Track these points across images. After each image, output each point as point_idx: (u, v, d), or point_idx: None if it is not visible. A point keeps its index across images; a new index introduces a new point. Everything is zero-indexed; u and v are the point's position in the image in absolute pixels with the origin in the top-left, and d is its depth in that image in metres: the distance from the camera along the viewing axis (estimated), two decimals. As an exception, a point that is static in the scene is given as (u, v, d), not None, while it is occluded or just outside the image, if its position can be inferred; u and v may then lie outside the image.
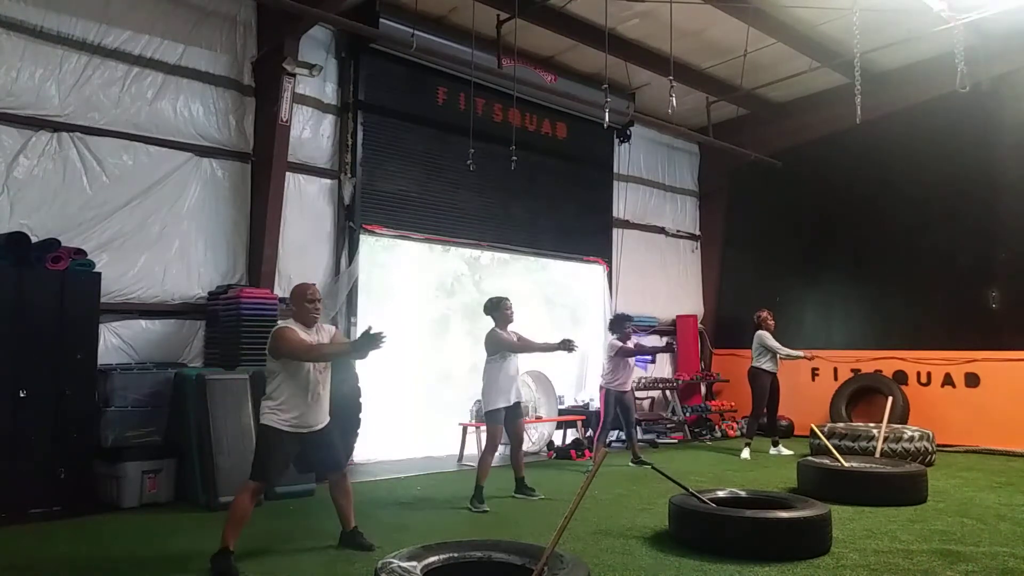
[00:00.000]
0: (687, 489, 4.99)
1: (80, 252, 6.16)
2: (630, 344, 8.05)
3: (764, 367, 9.05)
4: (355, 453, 7.65)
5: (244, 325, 6.83)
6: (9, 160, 6.28)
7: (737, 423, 11.18)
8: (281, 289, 7.79)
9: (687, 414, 11.12)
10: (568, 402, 10.29)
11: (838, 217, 11.34)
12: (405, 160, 8.96)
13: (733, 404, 11.45)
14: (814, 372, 11.19)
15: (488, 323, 6.50)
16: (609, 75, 7.41)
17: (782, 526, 4.55)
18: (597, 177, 11.36)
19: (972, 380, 9.75)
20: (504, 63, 8.50)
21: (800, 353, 9.14)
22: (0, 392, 5.54)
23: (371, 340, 4.17)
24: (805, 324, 11.46)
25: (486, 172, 8.71)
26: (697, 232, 13.09)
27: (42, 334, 5.74)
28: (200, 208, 7.45)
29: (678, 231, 12.72)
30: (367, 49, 8.54)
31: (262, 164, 7.72)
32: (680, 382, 11.56)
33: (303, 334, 4.52)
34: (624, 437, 9.92)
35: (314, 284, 4.85)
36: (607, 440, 8.86)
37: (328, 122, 8.45)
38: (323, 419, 4.61)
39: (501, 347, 6.26)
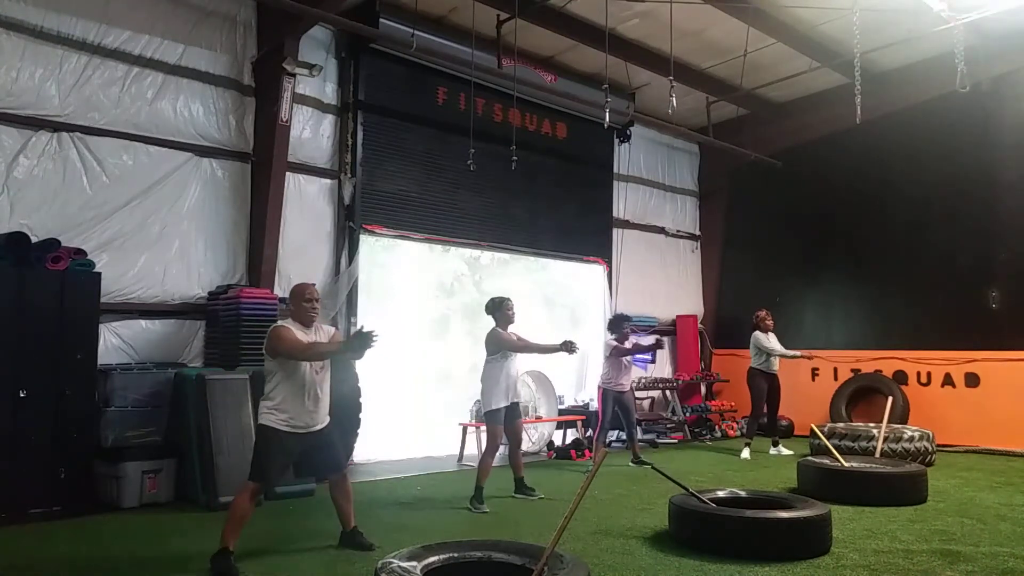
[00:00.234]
0: (687, 489, 4.99)
1: (80, 252, 6.16)
2: (627, 344, 8.03)
3: (760, 367, 9.07)
4: (355, 453, 7.65)
5: (244, 325, 6.83)
6: (9, 160, 6.28)
7: (737, 423, 11.18)
8: (281, 289, 7.79)
9: (687, 414, 11.12)
10: (568, 402, 10.29)
11: (838, 217, 11.34)
12: (405, 160, 8.96)
13: (733, 404, 11.45)
14: (814, 372, 11.19)
15: (488, 323, 6.50)
16: (609, 75, 7.41)
17: (782, 526, 4.55)
18: (597, 177, 11.36)
19: (972, 380, 9.75)
20: (504, 63, 8.50)
21: (796, 352, 9.13)
22: (0, 392, 5.54)
23: (363, 339, 4.21)
24: (805, 324, 11.46)
25: (486, 172, 8.71)
26: (697, 232, 13.09)
27: (42, 334, 5.75)
28: (200, 208, 7.45)
29: (678, 231, 12.72)
30: (367, 49, 8.54)
31: (262, 164, 7.72)
32: (680, 382, 11.56)
33: (300, 333, 4.52)
34: (624, 437, 9.95)
35: (313, 284, 4.85)
36: (607, 440, 8.86)
37: (328, 122, 8.45)
38: (322, 420, 4.60)
39: (502, 346, 6.25)
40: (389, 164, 8.83)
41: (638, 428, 8.93)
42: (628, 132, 11.41)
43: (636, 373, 11.00)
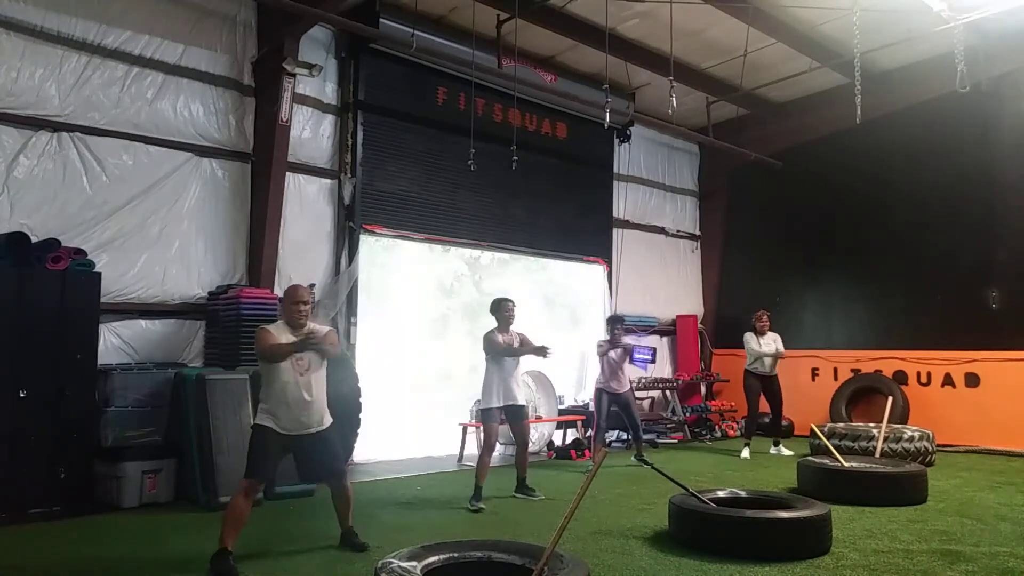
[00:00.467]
0: (687, 489, 5.00)
1: (80, 252, 6.16)
2: (627, 342, 7.99)
3: (750, 368, 9.10)
4: (355, 453, 7.65)
5: (244, 325, 6.83)
6: (9, 160, 6.28)
7: (737, 423, 11.18)
8: (281, 289, 7.78)
9: (687, 414, 11.12)
10: (568, 402, 10.29)
11: (838, 217, 11.33)
12: (405, 160, 8.96)
13: (733, 404, 11.45)
14: (814, 372, 11.20)
15: (490, 322, 6.52)
16: (609, 75, 7.41)
17: (782, 526, 4.55)
18: (597, 177, 11.36)
19: (972, 380, 9.74)
20: (504, 63, 8.50)
21: (768, 350, 9.04)
22: (0, 392, 5.53)
23: (304, 340, 4.40)
24: (805, 324, 11.46)
25: (486, 172, 8.70)
26: (697, 232, 13.10)
27: (42, 334, 5.74)
28: (200, 208, 7.45)
29: (678, 231, 12.72)
30: (367, 49, 8.54)
31: (262, 164, 7.72)
32: (680, 382, 11.56)
33: (285, 335, 4.51)
34: (624, 437, 9.96)
35: (303, 286, 4.83)
36: (607, 440, 8.85)
37: (328, 122, 8.46)
38: (314, 423, 4.57)
39: (489, 349, 6.33)
40: (389, 164, 8.83)
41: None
42: (628, 132, 11.41)
43: (636, 373, 11.01)
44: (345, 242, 8.45)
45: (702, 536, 4.68)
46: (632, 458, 8.04)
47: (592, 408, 8.52)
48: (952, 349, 9.90)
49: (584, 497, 3.35)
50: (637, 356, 11.68)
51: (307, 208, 8.22)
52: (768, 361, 9.00)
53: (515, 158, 7.41)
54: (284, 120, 7.59)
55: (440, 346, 9.91)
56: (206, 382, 6.22)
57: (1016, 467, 8.18)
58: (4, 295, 5.61)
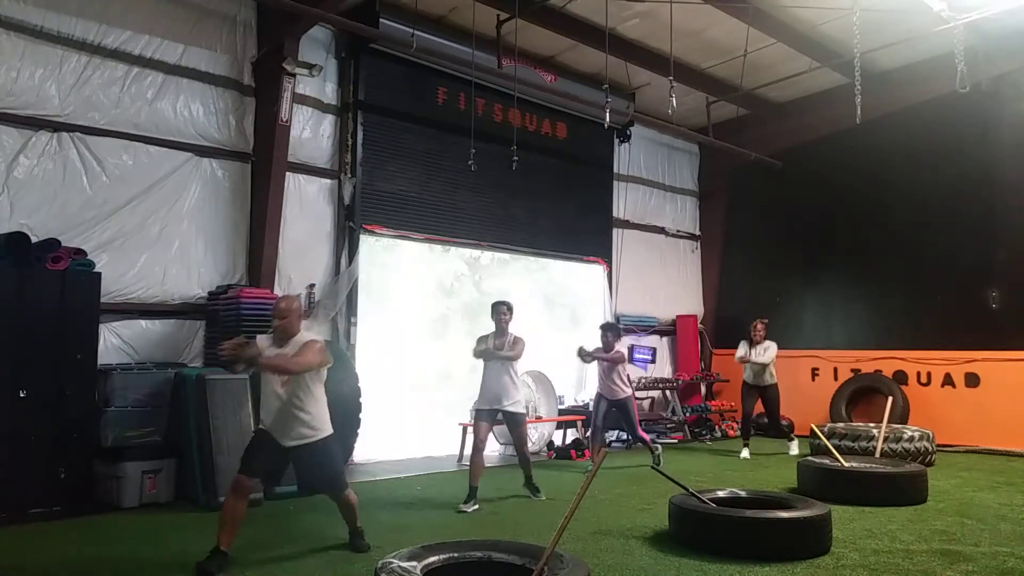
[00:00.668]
0: (687, 489, 4.99)
1: (80, 252, 6.16)
2: (616, 352, 7.88)
3: (743, 376, 9.14)
4: (355, 453, 7.65)
5: (244, 325, 6.81)
6: (9, 160, 6.28)
7: (737, 423, 11.16)
8: (281, 289, 7.80)
9: (687, 414, 11.12)
10: (568, 402, 10.29)
11: (838, 217, 11.34)
12: (405, 160, 8.97)
13: (733, 404, 11.44)
14: (814, 372, 11.20)
15: (491, 323, 6.52)
16: (609, 75, 7.41)
17: (782, 526, 4.55)
18: (597, 177, 11.37)
19: (972, 380, 9.75)
20: (504, 63, 8.50)
21: (739, 353, 9.09)
22: (0, 392, 5.53)
23: (234, 359, 4.34)
24: (805, 324, 11.46)
25: (486, 172, 8.70)
26: (697, 232, 13.10)
27: (42, 334, 5.74)
28: (200, 208, 7.45)
29: (678, 231, 12.73)
30: (367, 49, 8.54)
31: (262, 164, 7.72)
32: (680, 382, 11.56)
33: (270, 347, 4.47)
34: (624, 438, 9.96)
35: (287, 298, 4.63)
36: (607, 440, 8.85)
37: (328, 122, 8.46)
38: (302, 435, 4.41)
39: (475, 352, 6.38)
40: (389, 164, 8.83)
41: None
42: (628, 132, 11.41)
43: (636, 373, 11.03)
44: (345, 242, 8.45)
45: (702, 536, 4.68)
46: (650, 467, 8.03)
47: (591, 409, 8.51)
48: (952, 349, 9.90)
49: (584, 497, 3.35)
50: (637, 356, 11.73)
51: (307, 208, 8.22)
52: (756, 369, 8.96)
53: (515, 158, 7.41)
54: (284, 120, 7.59)
55: (440, 346, 9.91)
56: (206, 382, 6.22)
57: (1016, 467, 8.18)
58: (4, 295, 5.61)
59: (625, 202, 11.73)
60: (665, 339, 12.43)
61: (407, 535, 4.93)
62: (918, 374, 10.23)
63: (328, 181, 8.42)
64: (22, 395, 5.60)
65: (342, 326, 8.34)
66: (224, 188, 7.64)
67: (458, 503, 5.99)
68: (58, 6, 6.54)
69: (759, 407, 9.14)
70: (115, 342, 6.80)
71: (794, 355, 11.05)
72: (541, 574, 3.14)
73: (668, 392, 11.49)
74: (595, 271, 11.31)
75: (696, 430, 11.05)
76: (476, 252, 10.07)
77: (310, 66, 7.96)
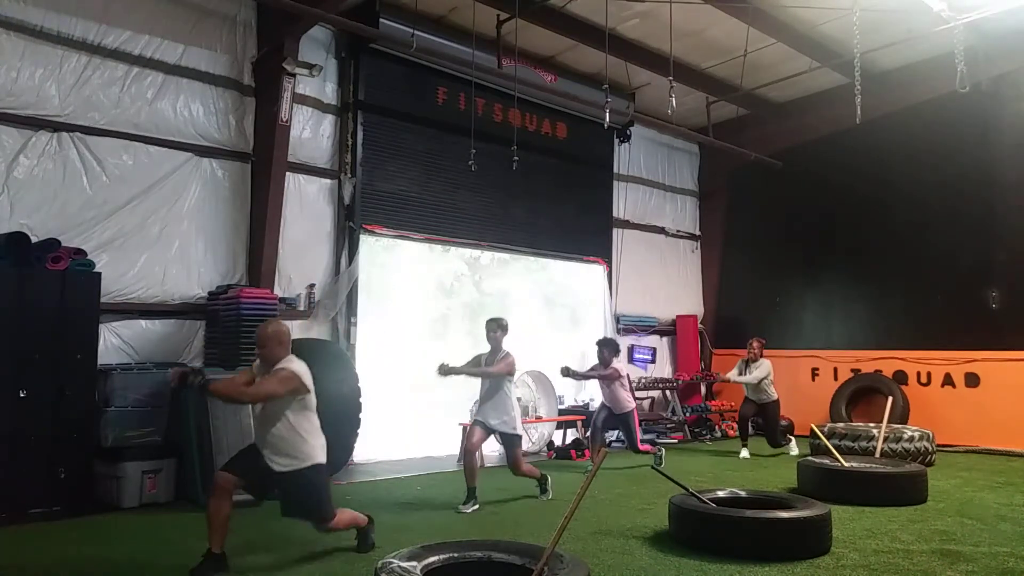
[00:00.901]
0: (687, 489, 4.99)
1: (80, 252, 6.16)
2: (610, 369, 7.83)
3: (744, 390, 9.18)
4: (355, 453, 7.64)
5: (244, 325, 6.82)
6: (9, 160, 6.29)
7: (737, 423, 11.17)
8: (281, 289, 7.81)
9: (687, 414, 11.13)
10: (568, 402, 10.29)
11: (838, 217, 11.34)
12: (405, 160, 8.97)
13: (733, 404, 11.44)
14: (814, 372, 11.19)
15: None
16: (609, 75, 7.41)
17: (782, 526, 4.55)
18: (597, 177, 11.37)
19: (972, 380, 9.75)
20: (504, 63, 8.50)
21: (729, 374, 9.21)
22: (0, 392, 5.54)
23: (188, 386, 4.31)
24: (805, 324, 11.46)
25: (486, 172, 8.70)
26: (697, 232, 13.10)
27: (42, 334, 5.74)
28: (200, 208, 7.46)
29: (678, 231, 12.73)
30: (367, 49, 8.54)
31: (262, 164, 7.72)
32: (680, 382, 11.56)
33: (253, 371, 4.41)
34: (624, 438, 9.95)
35: (269, 322, 4.49)
36: (607, 440, 8.85)
37: (328, 122, 8.46)
38: (277, 464, 4.25)
39: None
40: (389, 164, 8.83)
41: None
42: (628, 132, 11.41)
43: (636, 373, 11.03)
44: (345, 242, 8.45)
45: (702, 536, 4.68)
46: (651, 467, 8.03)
47: (592, 409, 8.53)
48: (952, 349, 9.90)
49: (584, 497, 3.35)
50: (637, 356, 11.73)
51: (307, 208, 8.22)
52: (752, 387, 8.97)
53: (515, 158, 7.40)
54: (284, 120, 7.59)
55: (440, 346, 9.88)
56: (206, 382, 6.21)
57: (1016, 467, 8.19)
58: (4, 295, 5.62)
59: (625, 202, 11.73)
60: (665, 339, 12.44)
61: (407, 535, 4.93)
62: (918, 374, 10.23)
63: (328, 181, 8.42)
64: (22, 395, 5.61)
65: (342, 326, 8.34)
66: (224, 188, 7.64)
67: (458, 503, 5.99)
68: (58, 6, 6.54)
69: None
70: (115, 342, 6.81)
71: (794, 355, 11.07)
72: (541, 574, 3.14)
73: (668, 392, 11.49)
74: (595, 271, 11.31)
75: (696, 430, 11.05)
76: (476, 252, 10.07)
77: (310, 66, 7.96)
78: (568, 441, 9.61)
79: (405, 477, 7.48)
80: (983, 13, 7.42)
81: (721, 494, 5.24)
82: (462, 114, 9.03)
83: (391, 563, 3.20)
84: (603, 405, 8.06)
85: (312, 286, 8.19)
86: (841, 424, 8.94)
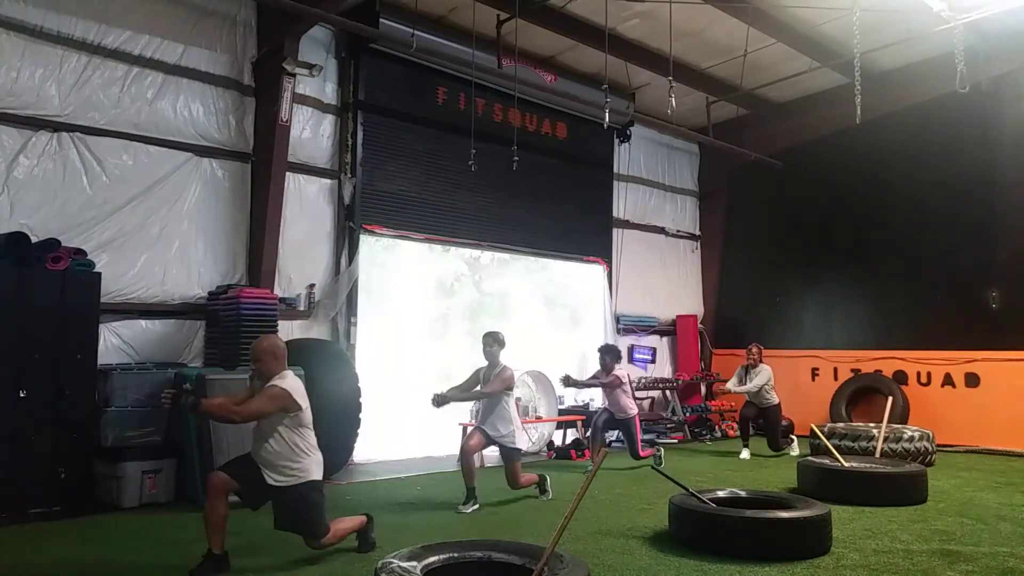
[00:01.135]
0: (687, 489, 4.99)
1: (80, 252, 6.16)
2: (612, 376, 7.82)
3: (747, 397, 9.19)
4: (355, 453, 7.65)
5: (244, 325, 6.82)
6: (9, 160, 6.28)
7: (737, 423, 11.17)
8: (281, 289, 7.81)
9: (687, 414, 11.13)
10: (568, 402, 10.29)
11: (838, 217, 11.34)
12: (405, 160, 8.97)
13: (733, 404, 11.45)
14: (814, 372, 11.20)
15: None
16: (609, 75, 7.41)
17: (782, 526, 4.55)
18: (597, 177, 11.37)
19: (972, 380, 9.75)
20: (504, 63, 8.50)
21: (728, 384, 9.16)
22: (0, 392, 5.53)
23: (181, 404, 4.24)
24: (805, 324, 11.46)
25: (486, 172, 8.70)
26: (697, 232, 13.10)
27: (42, 334, 5.74)
28: (200, 208, 7.46)
29: (678, 231, 12.73)
30: (367, 49, 8.54)
31: (262, 164, 7.72)
32: (680, 382, 11.56)
33: (248, 390, 4.42)
34: (623, 438, 9.96)
35: (264, 338, 4.51)
36: (607, 440, 8.85)
37: (328, 122, 8.46)
38: (271, 478, 4.27)
39: None
40: (389, 164, 8.83)
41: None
42: (628, 132, 11.41)
43: (636, 373, 11.03)
44: (345, 242, 8.45)
45: (702, 536, 4.68)
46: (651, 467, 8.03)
47: (592, 409, 8.53)
48: (952, 349, 9.90)
49: (584, 497, 3.35)
50: (637, 356, 11.73)
51: (307, 208, 8.22)
52: (752, 393, 8.96)
53: (515, 158, 7.40)
54: (284, 120, 7.59)
55: (440, 346, 9.89)
56: (206, 382, 6.21)
57: (1016, 467, 8.19)
58: (4, 295, 5.61)
59: (625, 202, 11.74)
60: (665, 339, 12.44)
61: (407, 535, 4.93)
62: (918, 374, 10.23)
63: (328, 181, 8.42)
64: (22, 395, 5.61)
65: (342, 326, 8.34)
66: (224, 188, 7.64)
67: (458, 503, 5.99)
68: (58, 6, 6.54)
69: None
70: (115, 342, 6.81)
71: (794, 355, 11.07)
72: (541, 574, 3.14)
73: (668, 392, 11.49)
74: (595, 271, 11.31)
75: (696, 430, 11.05)
76: (476, 252, 10.07)
77: (310, 66, 7.96)
78: (568, 441, 9.60)
79: (405, 477, 7.48)
80: (983, 13, 7.42)
81: (721, 494, 5.24)
82: (462, 114, 9.03)
83: (391, 563, 3.20)
84: (605, 408, 8.06)
85: (312, 286, 8.19)
86: (841, 424, 8.94)
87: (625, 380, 7.95)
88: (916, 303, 10.35)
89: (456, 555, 3.47)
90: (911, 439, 7.96)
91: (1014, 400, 9.25)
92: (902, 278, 10.52)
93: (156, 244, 7.12)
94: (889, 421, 7.84)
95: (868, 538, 5.01)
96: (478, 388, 6.20)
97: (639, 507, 6.01)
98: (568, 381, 7.69)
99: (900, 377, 10.33)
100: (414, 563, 3.24)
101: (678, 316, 12.44)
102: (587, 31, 8.89)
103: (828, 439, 7.20)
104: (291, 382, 4.30)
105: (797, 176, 11.59)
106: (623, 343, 11.18)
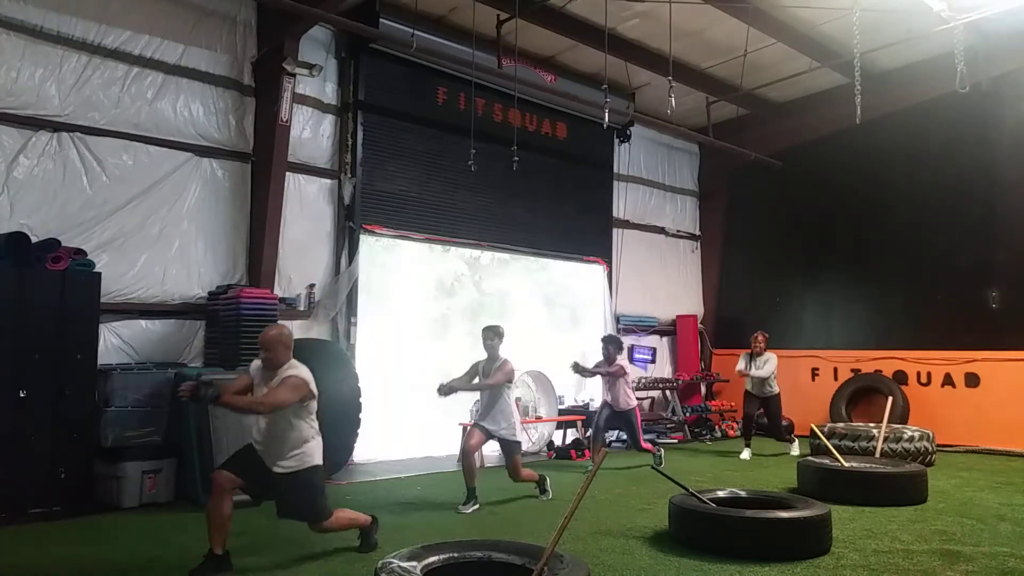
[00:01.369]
0: (687, 489, 5.00)
1: (80, 252, 6.16)
2: (616, 366, 7.84)
3: (747, 388, 9.11)
4: (355, 453, 7.65)
5: (244, 325, 6.83)
6: (9, 160, 6.29)
7: (737, 423, 11.17)
8: (281, 289, 7.81)
9: (687, 414, 11.13)
10: (568, 402, 10.29)
11: (838, 217, 11.34)
12: (405, 160, 8.97)
13: (733, 404, 11.45)
14: (814, 372, 11.20)
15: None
16: (609, 75, 7.41)
17: (782, 526, 4.55)
18: (597, 177, 11.37)
19: (972, 380, 9.75)
20: (504, 63, 8.50)
21: (755, 373, 8.93)
22: (0, 392, 5.54)
23: (214, 401, 4.19)
24: (805, 324, 11.46)
25: (486, 172, 8.69)
26: (697, 232, 13.10)
27: (42, 334, 5.74)
28: (200, 208, 7.46)
29: (678, 231, 12.73)
30: (367, 49, 8.54)
31: (262, 164, 7.72)
32: (680, 382, 11.56)
33: (260, 374, 4.39)
34: (624, 438, 9.96)
35: (273, 326, 4.53)
36: (607, 440, 8.85)
37: (328, 122, 8.46)
38: (280, 466, 4.31)
39: None
40: (389, 164, 8.83)
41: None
42: (628, 132, 11.41)
43: (636, 373, 11.03)
44: (345, 242, 8.45)
45: (702, 536, 4.68)
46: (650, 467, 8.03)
47: (592, 410, 8.52)
48: (952, 349, 9.90)
49: (584, 497, 3.35)
50: (637, 356, 11.73)
51: (307, 208, 8.22)
52: (758, 382, 8.94)
53: (515, 158, 7.40)
54: (284, 120, 7.59)
55: (440, 346, 9.89)
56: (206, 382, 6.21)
57: (1016, 467, 8.19)
58: (4, 295, 5.61)
59: (625, 202, 11.74)
60: (665, 339, 12.44)
61: (407, 535, 4.93)
62: (918, 374, 10.23)
63: (328, 181, 8.42)
64: (22, 395, 5.61)
65: (342, 326, 8.34)
66: (224, 188, 7.64)
67: (458, 503, 5.99)
68: (58, 6, 6.54)
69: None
70: (115, 342, 6.81)
71: (794, 355, 11.06)
72: (541, 574, 3.14)
73: (668, 392, 11.49)
74: (595, 271, 11.31)
75: (696, 430, 11.05)
76: (476, 252, 10.07)
77: (310, 66, 7.96)
78: (568, 441, 9.60)
79: (405, 477, 7.48)
80: (983, 13, 7.42)
81: (721, 494, 5.24)
82: (462, 114, 9.03)
83: (391, 563, 3.20)
84: (605, 404, 8.04)
85: (312, 286, 8.19)
86: (841, 424, 8.94)
87: (628, 370, 8.00)
88: (916, 303, 10.35)
89: (456, 555, 3.48)
90: (911, 439, 7.96)
91: (1014, 400, 9.25)
92: (902, 278, 10.52)
93: (156, 244, 7.12)
94: (889, 421, 7.84)
95: (868, 538, 5.01)
96: (477, 380, 6.22)
97: (639, 507, 6.01)
98: (576, 368, 7.76)
99: (900, 377, 10.32)
100: (414, 563, 3.24)
101: (678, 316, 12.44)
102: (587, 31, 8.89)
103: (828, 439, 7.20)
104: (305, 371, 4.36)
105: (797, 176, 11.59)
106: (621, 359, 11.16)
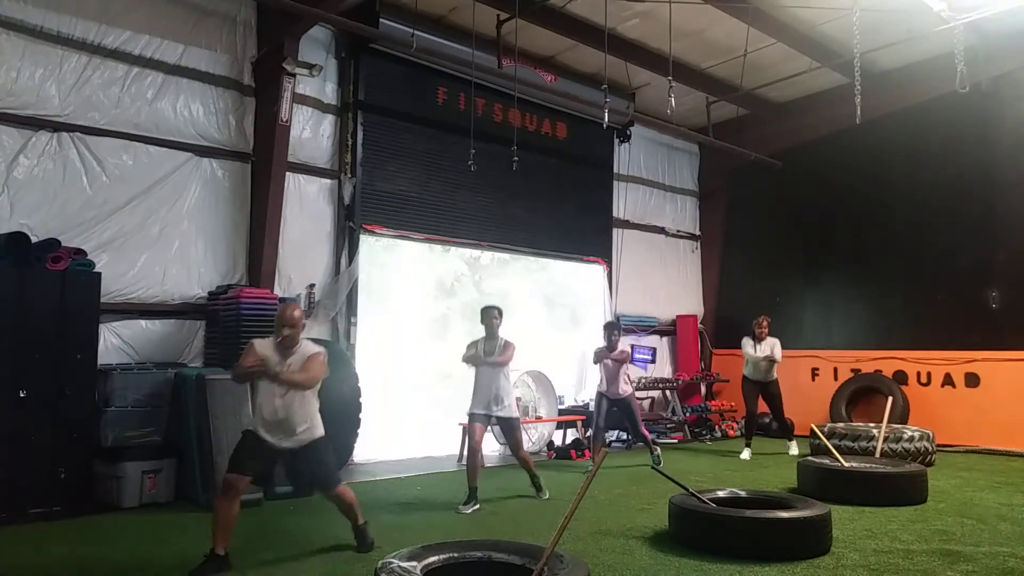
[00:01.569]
0: (687, 489, 5.00)
1: (80, 252, 6.16)
2: (621, 352, 7.88)
3: (746, 373, 9.07)
4: (355, 453, 7.65)
5: (244, 325, 6.82)
6: (9, 160, 6.29)
7: (737, 423, 11.18)
8: (281, 289, 7.80)
9: (687, 414, 11.12)
10: (568, 402, 10.29)
11: (838, 217, 11.34)
12: (405, 160, 8.97)
13: (733, 404, 11.45)
14: (814, 372, 11.20)
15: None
16: (609, 75, 7.41)
17: (782, 526, 4.55)
18: (597, 177, 11.37)
19: (972, 380, 9.74)
20: (504, 63, 8.50)
21: (762, 356, 8.85)
22: (0, 392, 5.53)
23: (276, 375, 4.37)
24: (805, 324, 11.46)
25: (486, 172, 8.69)
26: (697, 232, 13.10)
27: (42, 334, 5.74)
28: (200, 208, 7.46)
29: (678, 231, 12.73)
30: (367, 49, 8.54)
31: (262, 164, 7.72)
32: (680, 382, 11.56)
33: (272, 352, 4.46)
34: (624, 437, 9.96)
35: (292, 306, 4.65)
36: (607, 440, 8.85)
37: (328, 122, 8.46)
38: (295, 441, 4.47)
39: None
40: (389, 164, 8.83)
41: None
42: (628, 132, 11.41)
43: (636, 373, 11.02)
44: (345, 242, 8.45)
45: (702, 536, 4.68)
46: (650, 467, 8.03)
47: (592, 409, 8.51)
48: (952, 349, 9.90)
49: (584, 497, 3.35)
50: (637, 356, 11.73)
51: (307, 208, 8.22)
52: (763, 366, 8.90)
53: (515, 158, 7.40)
54: (284, 120, 7.60)
55: (440, 346, 9.90)
56: (206, 382, 6.22)
57: (1016, 467, 8.19)
58: (4, 295, 5.61)
59: (625, 202, 11.74)
60: (665, 339, 12.44)
61: (407, 535, 4.93)
62: (918, 374, 10.23)
63: (328, 181, 8.42)
64: (22, 395, 5.60)
65: (342, 326, 8.34)
66: (224, 188, 7.64)
67: (458, 503, 5.99)
68: (58, 6, 6.54)
69: (762, 406, 9.11)
70: (115, 342, 6.81)
71: (794, 355, 11.03)
72: (541, 574, 3.14)
73: (668, 392, 11.49)
74: (595, 271, 11.31)
75: (696, 430, 11.05)
76: (476, 252, 10.07)
77: (310, 66, 7.96)
78: (568, 441, 9.60)
79: (405, 477, 7.49)
80: (983, 13, 7.41)
81: (721, 494, 5.24)
82: (462, 114, 9.03)
83: (391, 563, 3.20)
84: (601, 397, 7.98)
85: (312, 286, 8.19)
86: (841, 424, 8.94)
87: (629, 356, 8.15)
88: (916, 303, 10.35)
89: (456, 555, 3.48)
90: (911, 439, 7.96)
91: (1014, 400, 9.24)
92: (902, 278, 10.52)
93: (156, 244, 7.12)
94: (889, 421, 7.84)
95: (868, 538, 5.01)
96: (493, 357, 6.27)
97: (639, 507, 6.01)
98: (599, 352, 7.91)
99: (900, 377, 10.32)
100: (414, 563, 3.24)
101: (678, 316, 12.44)
102: (587, 31, 8.89)
103: (828, 439, 7.19)
104: (318, 346, 4.66)
105: (797, 176, 11.58)
106: (623, 343, 11.16)
